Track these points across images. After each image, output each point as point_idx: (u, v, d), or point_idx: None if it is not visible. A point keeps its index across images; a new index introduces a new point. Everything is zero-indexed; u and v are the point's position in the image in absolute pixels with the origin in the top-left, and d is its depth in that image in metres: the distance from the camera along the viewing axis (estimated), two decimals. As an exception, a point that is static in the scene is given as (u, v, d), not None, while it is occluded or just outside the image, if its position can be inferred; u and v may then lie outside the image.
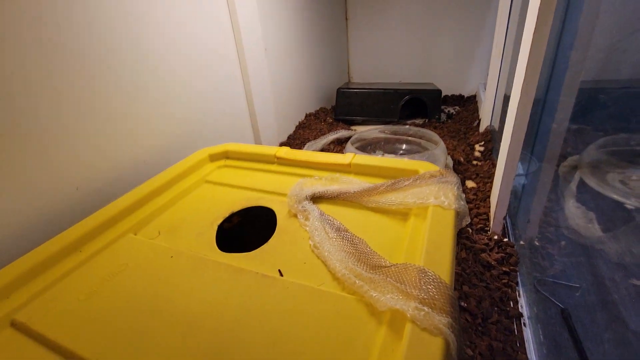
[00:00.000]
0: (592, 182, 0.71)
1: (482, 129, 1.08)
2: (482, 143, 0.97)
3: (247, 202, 0.52)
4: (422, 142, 0.90)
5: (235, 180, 0.58)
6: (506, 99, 0.99)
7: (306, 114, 1.27)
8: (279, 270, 0.37)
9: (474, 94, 1.51)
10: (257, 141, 0.94)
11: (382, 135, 0.95)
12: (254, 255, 0.41)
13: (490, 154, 0.91)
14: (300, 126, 1.19)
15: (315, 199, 0.50)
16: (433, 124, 1.19)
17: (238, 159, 0.64)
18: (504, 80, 0.98)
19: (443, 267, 0.32)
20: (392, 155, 0.89)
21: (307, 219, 0.45)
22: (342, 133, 1.09)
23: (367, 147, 0.93)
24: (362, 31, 1.57)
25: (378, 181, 0.52)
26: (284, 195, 0.52)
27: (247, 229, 0.55)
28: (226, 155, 0.64)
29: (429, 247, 0.35)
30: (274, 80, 1.01)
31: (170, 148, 0.68)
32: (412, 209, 0.43)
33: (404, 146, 0.91)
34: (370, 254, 0.37)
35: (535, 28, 0.46)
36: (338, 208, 0.48)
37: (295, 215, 0.47)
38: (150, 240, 0.44)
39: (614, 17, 0.61)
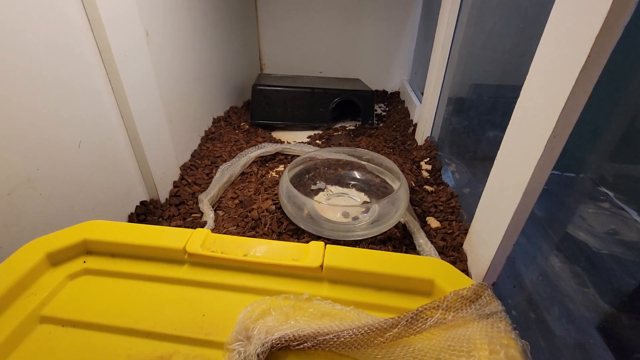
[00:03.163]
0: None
1: (419, 137, 0.98)
2: (428, 160, 0.87)
3: (136, 377, 0.26)
4: (368, 165, 0.73)
5: (105, 308, 0.31)
6: (455, 101, 0.90)
7: (214, 119, 0.97)
8: None
9: (397, 89, 1.42)
10: (146, 174, 0.64)
11: (320, 155, 0.75)
12: None
13: (440, 175, 0.81)
14: (208, 137, 0.90)
15: (275, 351, 0.28)
16: (367, 130, 1.05)
17: (111, 254, 0.36)
18: (448, 84, 0.88)
19: None
20: (342, 190, 0.71)
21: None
22: (266, 148, 0.85)
23: (303, 176, 0.72)
24: (273, 9, 1.29)
25: (369, 294, 0.32)
26: (212, 345, 0.28)
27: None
28: (86, 249, 0.36)
29: None
30: (163, 78, 0.69)
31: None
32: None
33: (355, 174, 0.73)
34: None
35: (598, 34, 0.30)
36: (318, 371, 0.27)
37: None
38: None
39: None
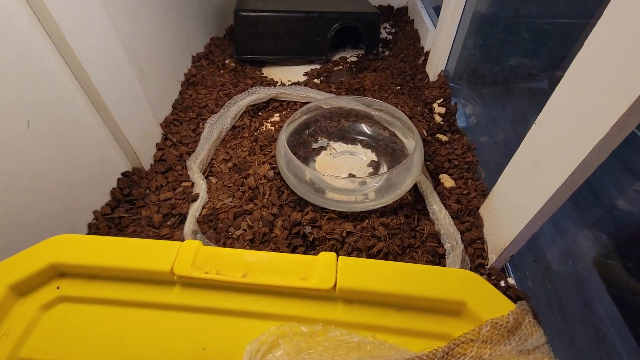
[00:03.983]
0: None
1: (431, 70, 0.85)
2: (442, 101, 0.77)
3: None
4: (376, 114, 0.64)
5: (90, 345, 0.27)
6: (480, 24, 0.76)
7: (193, 57, 0.83)
8: None
9: (405, 4, 1.21)
10: (121, 141, 0.55)
11: (320, 105, 0.65)
12: None
13: (454, 120, 0.73)
14: (189, 82, 0.78)
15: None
16: (372, 63, 0.91)
17: (88, 276, 0.31)
18: (472, 2, 0.72)
19: None
20: (346, 147, 0.63)
21: None
22: (257, 94, 0.74)
23: (303, 132, 0.63)
24: None
25: (389, 316, 0.29)
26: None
27: None
28: (58, 272, 0.30)
29: None
30: (119, 14, 0.55)
31: None
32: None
33: (361, 126, 0.64)
34: None
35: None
36: (336, 411, 0.25)
37: None
38: None
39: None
